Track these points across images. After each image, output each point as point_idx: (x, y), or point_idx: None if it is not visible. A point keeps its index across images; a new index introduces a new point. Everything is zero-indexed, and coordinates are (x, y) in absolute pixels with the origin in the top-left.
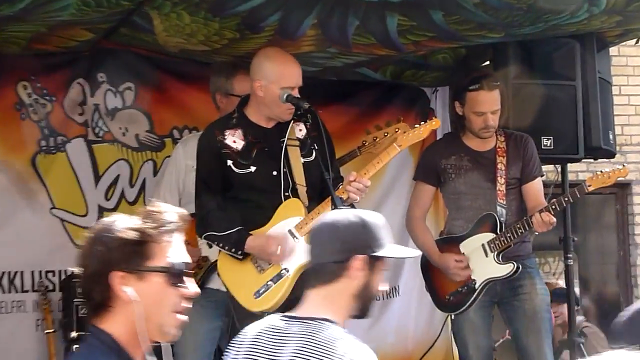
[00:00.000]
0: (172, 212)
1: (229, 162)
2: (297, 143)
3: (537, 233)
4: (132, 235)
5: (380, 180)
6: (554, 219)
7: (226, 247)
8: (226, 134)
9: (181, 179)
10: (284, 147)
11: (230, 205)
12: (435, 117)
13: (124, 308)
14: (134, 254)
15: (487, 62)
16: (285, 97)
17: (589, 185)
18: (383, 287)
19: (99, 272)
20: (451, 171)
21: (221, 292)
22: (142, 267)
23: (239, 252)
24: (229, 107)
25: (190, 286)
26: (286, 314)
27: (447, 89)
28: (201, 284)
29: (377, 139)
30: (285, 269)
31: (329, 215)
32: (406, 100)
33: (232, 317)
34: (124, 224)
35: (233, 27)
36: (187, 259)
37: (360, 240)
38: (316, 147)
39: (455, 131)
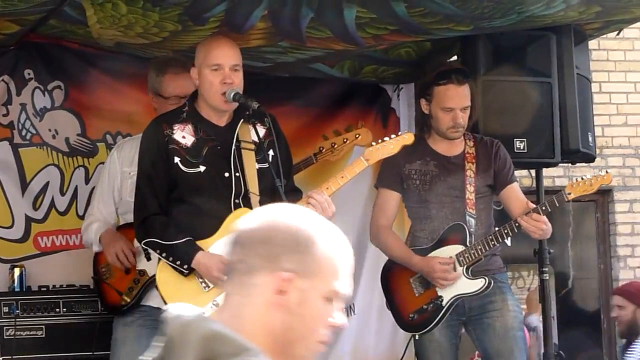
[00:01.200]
0: None
1: (177, 160)
2: (253, 147)
3: (508, 245)
4: None
5: None
6: (546, 219)
7: (170, 259)
8: (175, 128)
9: (117, 187)
10: (233, 147)
11: (174, 209)
12: (408, 131)
13: None
14: None
15: (454, 58)
16: (232, 95)
17: (569, 194)
18: None
19: None
20: (416, 177)
21: (162, 310)
22: None
23: (185, 267)
24: (162, 109)
25: None
26: None
27: (411, 86)
28: (137, 301)
29: (336, 146)
30: None
31: None
32: (365, 100)
33: None
34: None
35: (174, 18)
36: None
37: None
38: (271, 154)
39: (419, 133)
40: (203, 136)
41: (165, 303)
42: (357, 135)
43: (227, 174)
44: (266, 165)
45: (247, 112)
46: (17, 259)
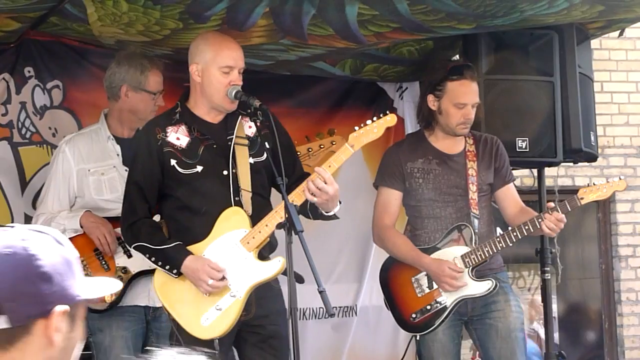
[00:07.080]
0: None
1: (173, 162)
2: (246, 142)
3: (510, 245)
4: None
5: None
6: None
7: (159, 263)
8: (168, 130)
9: (72, 185)
10: (232, 144)
11: (172, 212)
12: (389, 112)
13: None
14: None
15: (456, 57)
16: (233, 93)
17: (582, 199)
18: None
19: None
20: (418, 175)
21: (139, 307)
22: None
23: (174, 272)
24: (136, 103)
25: None
26: None
27: (416, 85)
28: (121, 300)
29: (312, 151)
30: (234, 292)
31: None
32: (362, 100)
33: (175, 341)
34: None
35: (175, 16)
36: None
37: None
38: (267, 146)
39: (420, 131)
40: (198, 136)
41: (166, 309)
42: (333, 142)
43: (225, 172)
44: (262, 158)
45: (249, 110)
46: None
